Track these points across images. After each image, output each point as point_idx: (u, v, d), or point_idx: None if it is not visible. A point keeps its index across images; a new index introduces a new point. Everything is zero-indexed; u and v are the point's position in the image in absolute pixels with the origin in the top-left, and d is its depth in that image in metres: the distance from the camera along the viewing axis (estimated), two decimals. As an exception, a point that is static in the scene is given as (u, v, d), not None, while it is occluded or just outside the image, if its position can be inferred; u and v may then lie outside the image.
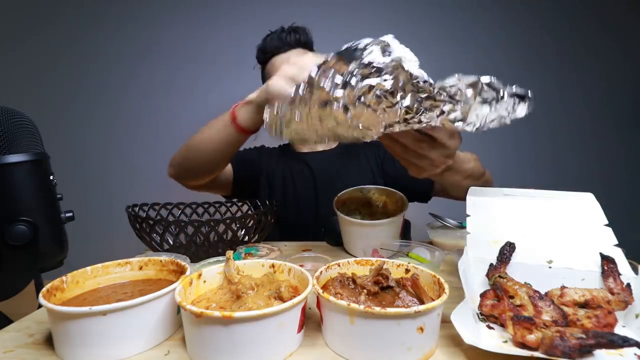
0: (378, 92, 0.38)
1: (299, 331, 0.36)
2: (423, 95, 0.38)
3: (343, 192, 0.76)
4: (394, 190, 0.75)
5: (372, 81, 0.38)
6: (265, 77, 1.03)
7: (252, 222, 0.70)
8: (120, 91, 1.60)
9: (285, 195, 0.98)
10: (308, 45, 1.00)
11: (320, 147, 1.04)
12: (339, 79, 0.39)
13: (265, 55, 0.99)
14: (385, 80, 0.37)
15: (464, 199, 0.58)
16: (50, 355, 0.36)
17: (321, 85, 0.41)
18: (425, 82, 0.37)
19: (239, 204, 0.85)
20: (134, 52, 1.59)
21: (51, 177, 0.47)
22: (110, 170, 1.59)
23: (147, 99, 1.61)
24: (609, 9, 1.79)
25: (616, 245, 0.48)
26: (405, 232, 0.77)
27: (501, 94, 0.40)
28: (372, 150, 1.03)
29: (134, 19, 1.58)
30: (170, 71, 1.62)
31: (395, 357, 0.33)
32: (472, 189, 0.59)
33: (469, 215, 0.55)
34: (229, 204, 0.85)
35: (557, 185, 0.63)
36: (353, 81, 0.39)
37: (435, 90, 0.38)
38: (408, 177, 0.77)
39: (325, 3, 1.62)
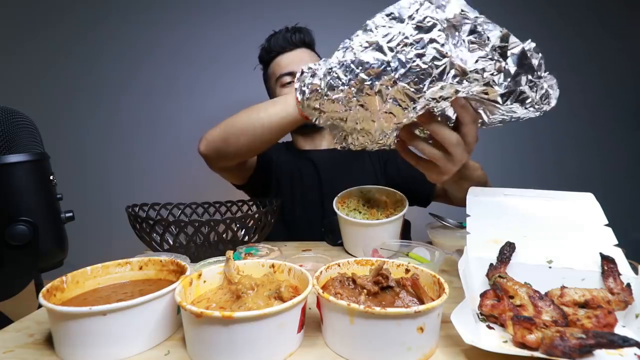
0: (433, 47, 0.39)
1: (299, 331, 0.36)
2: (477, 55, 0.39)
3: (343, 192, 0.76)
4: (394, 190, 0.75)
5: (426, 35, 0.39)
6: (267, 77, 1.03)
7: (252, 222, 0.70)
8: (120, 91, 1.60)
9: (292, 191, 0.99)
10: (311, 45, 1.02)
11: (324, 145, 1.05)
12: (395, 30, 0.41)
13: (270, 54, 0.99)
14: (439, 35, 0.38)
15: (464, 206, 0.58)
16: (50, 355, 0.36)
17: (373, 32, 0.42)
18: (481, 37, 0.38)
19: (239, 204, 0.85)
20: (134, 53, 1.59)
21: (51, 177, 0.47)
22: (110, 170, 1.59)
23: (147, 99, 1.62)
24: (609, 9, 1.79)
25: (616, 245, 0.48)
26: (405, 232, 0.77)
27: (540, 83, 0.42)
28: (375, 152, 1.03)
29: (135, 19, 1.58)
30: (171, 71, 1.62)
31: (395, 357, 0.33)
32: (472, 189, 0.59)
33: (469, 215, 0.55)
34: (229, 204, 0.85)
35: (557, 186, 0.63)
36: (408, 32, 0.40)
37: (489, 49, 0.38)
38: (409, 180, 0.77)
39: (324, 4, 1.62)
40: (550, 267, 0.47)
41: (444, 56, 0.39)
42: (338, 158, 1.01)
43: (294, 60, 0.97)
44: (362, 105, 0.49)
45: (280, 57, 0.98)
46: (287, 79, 0.96)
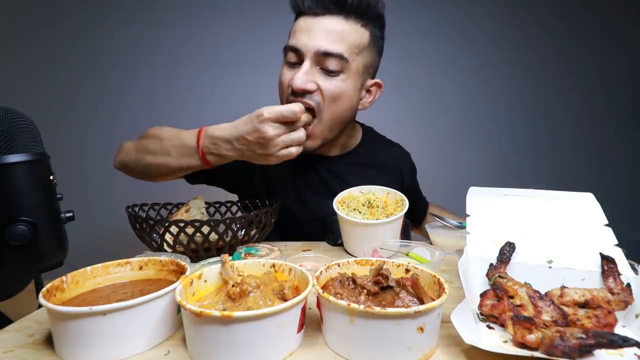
0: None
1: (298, 331, 0.36)
2: None
3: (343, 192, 0.76)
4: (394, 190, 0.75)
5: None
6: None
7: (252, 222, 0.70)
8: (120, 91, 1.61)
9: (295, 193, 0.88)
10: (361, 11, 0.73)
11: (335, 152, 0.90)
12: None
13: (295, 8, 0.76)
14: None
15: None
16: (50, 355, 0.36)
17: None
18: None
19: (239, 204, 0.85)
20: (134, 53, 1.60)
21: (51, 177, 0.47)
22: (110, 170, 1.59)
23: (147, 99, 1.62)
24: (607, 9, 1.79)
25: (616, 245, 0.48)
26: (405, 232, 0.77)
27: None
28: (393, 165, 0.96)
29: (135, 20, 1.58)
30: (171, 72, 1.62)
31: (395, 357, 0.33)
32: (472, 189, 0.59)
33: (469, 215, 0.55)
34: (229, 204, 0.84)
35: (557, 185, 0.63)
36: None
37: None
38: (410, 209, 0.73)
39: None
40: (550, 267, 0.47)
41: None
42: (351, 166, 0.90)
43: (313, 32, 0.71)
44: None
45: (301, 19, 0.74)
46: (291, 57, 0.75)
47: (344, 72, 0.74)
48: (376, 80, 0.84)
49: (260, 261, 0.45)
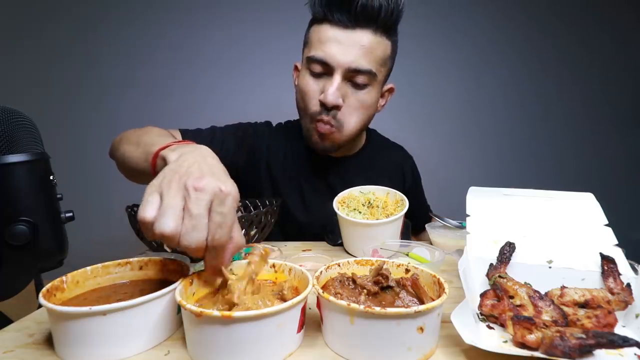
0: None
1: (298, 331, 0.36)
2: None
3: (343, 192, 0.76)
4: (394, 190, 0.75)
5: None
6: (306, 38, 0.81)
7: (252, 222, 0.70)
8: (120, 91, 1.60)
9: (298, 193, 0.89)
10: (388, 27, 0.74)
11: (341, 153, 0.90)
12: None
13: (318, 12, 0.74)
14: None
15: None
16: (50, 355, 0.36)
17: None
18: None
19: (239, 203, 0.85)
20: (134, 53, 1.60)
21: (51, 177, 0.47)
22: (110, 170, 1.58)
23: (147, 99, 1.62)
24: (607, 9, 1.79)
25: (616, 245, 0.48)
26: (405, 232, 0.77)
27: None
28: (398, 167, 0.97)
29: (135, 19, 1.58)
30: (171, 71, 1.62)
31: (395, 357, 0.33)
32: (472, 189, 0.59)
33: (469, 215, 0.55)
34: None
35: (557, 185, 0.63)
36: None
37: None
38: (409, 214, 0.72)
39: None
40: (550, 267, 0.47)
41: None
42: (356, 168, 0.92)
43: (344, 46, 0.71)
44: None
45: (328, 28, 0.72)
46: (317, 68, 0.75)
47: (370, 85, 0.76)
48: (390, 85, 0.86)
49: (260, 261, 0.45)
